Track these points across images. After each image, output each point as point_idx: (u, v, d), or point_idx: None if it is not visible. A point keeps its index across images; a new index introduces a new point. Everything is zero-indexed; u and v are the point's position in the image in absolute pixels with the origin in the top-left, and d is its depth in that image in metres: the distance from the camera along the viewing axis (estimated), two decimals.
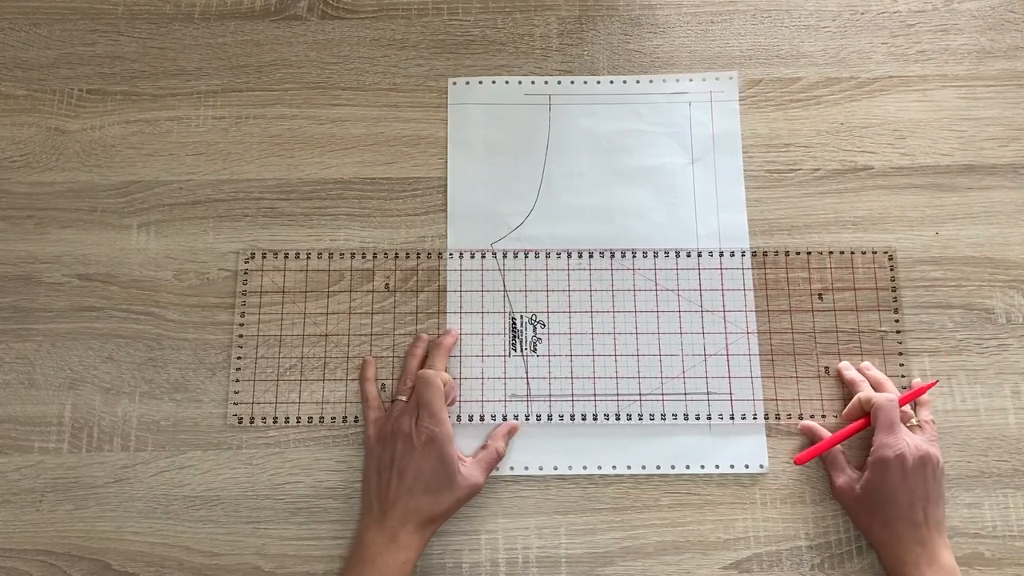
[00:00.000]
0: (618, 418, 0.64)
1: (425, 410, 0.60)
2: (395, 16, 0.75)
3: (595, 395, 0.65)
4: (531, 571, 0.62)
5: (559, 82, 0.72)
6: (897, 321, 0.66)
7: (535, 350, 0.66)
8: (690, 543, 0.62)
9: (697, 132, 0.71)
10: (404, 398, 0.62)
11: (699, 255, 0.68)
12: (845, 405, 0.64)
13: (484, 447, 0.63)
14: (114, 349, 0.66)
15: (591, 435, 0.64)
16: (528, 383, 0.65)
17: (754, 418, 0.64)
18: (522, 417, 0.65)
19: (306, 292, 0.67)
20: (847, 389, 0.64)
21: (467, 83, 0.72)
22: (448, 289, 0.67)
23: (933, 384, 0.63)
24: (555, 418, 0.65)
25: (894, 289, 0.67)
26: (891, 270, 0.67)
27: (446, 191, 0.70)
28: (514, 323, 0.67)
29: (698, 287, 0.67)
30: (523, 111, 0.72)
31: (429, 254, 0.68)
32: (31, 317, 0.66)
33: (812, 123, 0.71)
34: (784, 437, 0.64)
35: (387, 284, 0.68)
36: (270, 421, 0.64)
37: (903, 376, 0.65)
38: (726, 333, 0.66)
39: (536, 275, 0.68)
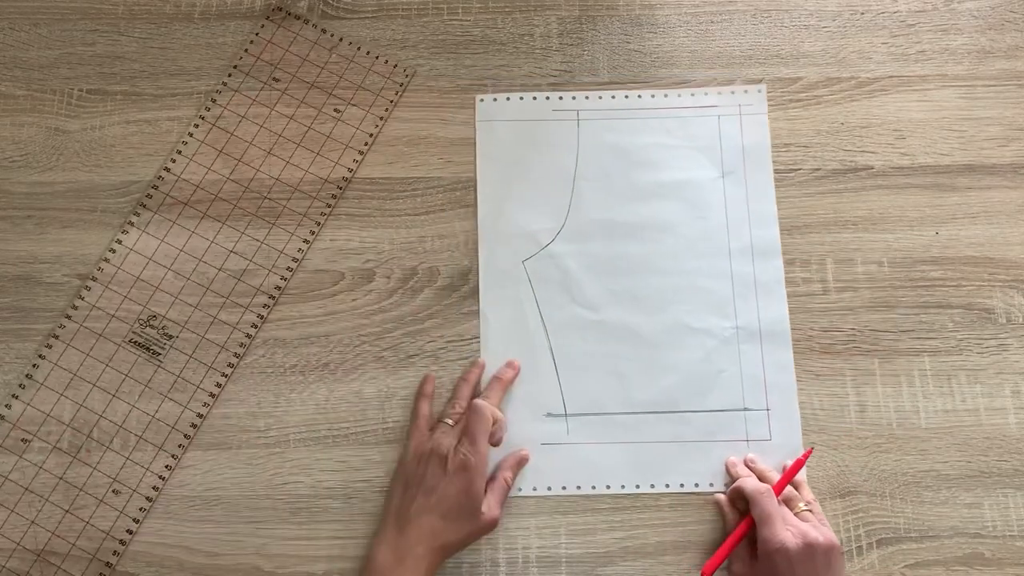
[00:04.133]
0: (656, 436, 0.64)
1: (467, 438, 0.59)
2: (395, 16, 0.75)
3: (631, 412, 0.64)
4: (531, 571, 0.62)
5: (587, 97, 0.71)
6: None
7: (568, 365, 0.65)
8: (690, 543, 0.62)
9: (727, 145, 0.70)
10: (451, 422, 0.61)
11: (732, 268, 0.67)
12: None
13: (493, 478, 0.61)
14: (114, 349, 0.66)
15: (627, 453, 0.63)
16: (563, 399, 0.65)
17: (790, 435, 0.64)
18: (556, 434, 0.64)
19: (306, 292, 0.67)
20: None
21: (494, 99, 0.71)
22: (481, 307, 0.66)
23: (806, 456, 0.61)
24: (590, 435, 0.64)
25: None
26: (889, 268, 0.68)
27: (446, 191, 0.70)
28: (547, 338, 0.66)
29: (732, 300, 0.67)
30: (551, 127, 0.71)
31: (428, 255, 0.68)
32: (31, 317, 0.66)
33: (812, 123, 0.71)
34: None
35: (387, 284, 0.68)
36: (270, 421, 0.64)
37: None
38: (761, 347, 0.65)
39: (568, 291, 0.67)
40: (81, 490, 0.63)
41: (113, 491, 0.63)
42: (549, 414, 0.65)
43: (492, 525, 0.59)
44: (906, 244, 0.68)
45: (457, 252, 0.68)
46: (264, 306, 0.67)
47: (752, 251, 0.68)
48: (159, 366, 0.65)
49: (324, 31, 0.74)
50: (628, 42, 0.74)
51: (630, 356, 0.66)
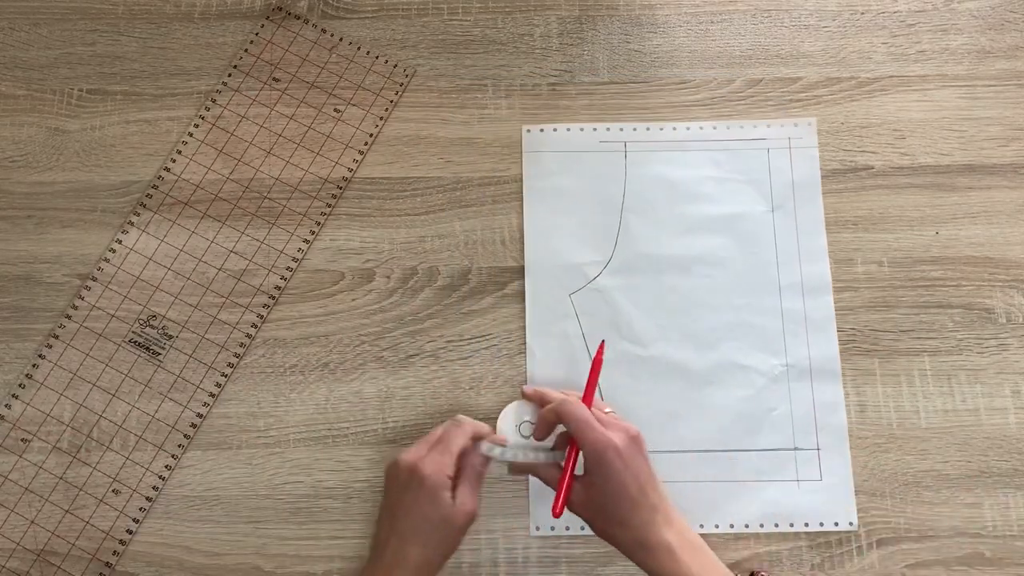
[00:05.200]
0: (704, 476, 0.63)
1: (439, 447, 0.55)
2: (395, 16, 0.75)
3: (679, 450, 0.63)
4: (531, 571, 0.62)
5: (634, 129, 0.71)
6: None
7: (616, 401, 0.64)
8: None
9: (776, 179, 0.69)
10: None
11: (782, 304, 0.66)
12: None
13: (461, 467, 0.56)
14: (114, 349, 0.66)
15: (674, 492, 0.60)
16: None
17: (841, 475, 0.63)
18: None
19: (306, 292, 0.67)
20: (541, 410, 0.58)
21: (541, 130, 0.70)
22: (528, 341, 0.66)
23: (601, 352, 0.58)
24: None
25: None
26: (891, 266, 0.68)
27: (446, 191, 0.70)
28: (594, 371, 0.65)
29: (782, 337, 0.66)
30: (598, 158, 0.70)
31: (428, 255, 0.68)
32: (31, 317, 0.66)
33: None
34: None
35: (387, 284, 0.68)
36: (270, 421, 0.64)
37: None
38: (812, 386, 0.65)
39: (616, 326, 0.66)
40: (81, 490, 0.63)
41: (113, 491, 0.63)
42: None
43: (470, 519, 0.54)
44: (906, 244, 0.68)
45: (457, 252, 0.68)
46: (264, 306, 0.67)
47: (802, 287, 0.66)
48: (159, 366, 0.65)
49: (324, 31, 0.74)
50: (628, 42, 0.74)
51: (678, 394, 0.65)
